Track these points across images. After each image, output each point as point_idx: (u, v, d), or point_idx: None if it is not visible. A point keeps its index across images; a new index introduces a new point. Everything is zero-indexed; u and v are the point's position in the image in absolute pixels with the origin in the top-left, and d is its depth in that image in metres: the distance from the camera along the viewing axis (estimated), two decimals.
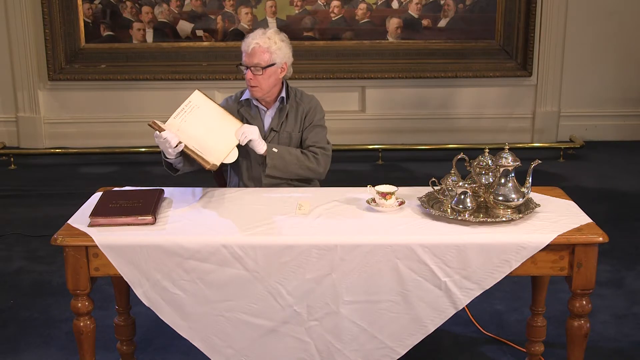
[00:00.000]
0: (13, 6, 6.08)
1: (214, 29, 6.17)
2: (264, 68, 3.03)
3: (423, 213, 2.67)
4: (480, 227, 2.54)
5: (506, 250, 2.46)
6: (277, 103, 3.16)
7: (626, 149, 6.29)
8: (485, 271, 2.48)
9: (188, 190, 2.96)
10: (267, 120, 3.17)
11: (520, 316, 3.45)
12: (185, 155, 2.91)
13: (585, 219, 2.60)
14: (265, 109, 3.17)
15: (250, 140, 2.97)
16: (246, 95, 3.17)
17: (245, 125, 2.99)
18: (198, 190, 2.95)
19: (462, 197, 2.59)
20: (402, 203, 2.72)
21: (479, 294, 2.52)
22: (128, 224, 2.58)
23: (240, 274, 2.49)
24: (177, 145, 2.83)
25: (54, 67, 6.19)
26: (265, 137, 3.12)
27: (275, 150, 3.02)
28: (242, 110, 3.16)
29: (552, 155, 6.05)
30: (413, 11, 6.18)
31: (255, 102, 3.16)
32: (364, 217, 2.66)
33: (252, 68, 3.04)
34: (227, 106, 3.16)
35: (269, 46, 3.04)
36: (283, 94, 3.15)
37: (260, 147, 3.00)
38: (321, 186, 3.15)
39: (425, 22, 6.20)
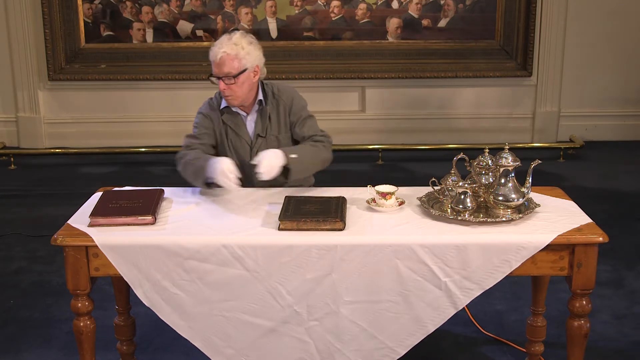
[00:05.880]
0: (13, 6, 6.08)
1: (214, 29, 6.17)
2: (236, 76, 2.95)
3: (423, 213, 2.67)
4: (480, 227, 2.54)
5: (506, 250, 2.46)
6: (256, 106, 3.08)
7: (626, 149, 6.29)
8: (485, 271, 2.48)
9: (188, 190, 2.96)
10: (250, 126, 3.10)
11: (520, 316, 3.45)
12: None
13: (585, 219, 2.60)
14: (245, 114, 3.10)
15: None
16: (225, 103, 3.09)
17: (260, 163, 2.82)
18: (198, 190, 2.95)
19: (462, 197, 2.59)
20: (402, 203, 2.72)
21: (479, 294, 2.51)
22: (128, 224, 2.57)
23: (240, 274, 2.49)
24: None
25: (54, 67, 6.19)
26: (251, 144, 3.09)
27: (294, 156, 2.88)
28: (225, 119, 3.09)
29: (552, 155, 6.05)
30: (413, 11, 6.18)
31: (235, 109, 3.09)
32: (364, 217, 2.65)
33: (223, 78, 2.95)
34: (209, 112, 3.10)
35: (237, 53, 2.94)
36: (260, 97, 3.07)
37: (279, 160, 2.85)
38: (321, 186, 3.15)
39: (425, 22, 6.20)
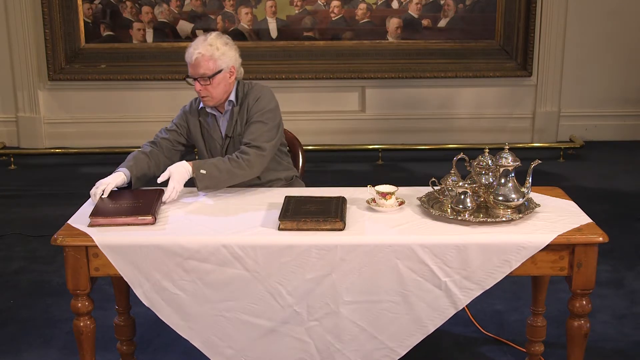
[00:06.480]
0: (13, 6, 6.09)
1: (214, 29, 6.15)
2: (211, 77, 2.94)
3: (423, 213, 2.67)
4: (480, 227, 2.54)
5: (506, 250, 2.46)
6: (228, 106, 3.08)
7: (626, 149, 6.29)
8: (485, 271, 2.48)
9: (188, 190, 2.95)
10: (223, 126, 3.10)
11: (520, 316, 3.45)
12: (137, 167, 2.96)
13: (585, 219, 2.60)
14: (220, 113, 3.10)
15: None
16: (202, 104, 3.10)
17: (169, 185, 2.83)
18: (198, 190, 2.94)
19: (462, 197, 2.59)
20: (402, 203, 2.72)
21: (479, 294, 2.51)
22: (128, 224, 2.57)
23: (240, 274, 2.49)
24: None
25: (54, 67, 6.19)
26: (222, 145, 3.09)
27: (203, 172, 2.84)
28: (202, 119, 3.11)
29: (552, 155, 6.05)
30: (413, 11, 6.18)
31: (209, 110, 3.08)
32: (364, 217, 2.65)
33: (199, 79, 2.95)
34: (188, 111, 3.13)
35: (212, 54, 2.93)
36: (232, 97, 3.06)
37: (185, 175, 2.85)
38: (321, 186, 3.15)
39: (425, 22, 6.21)
